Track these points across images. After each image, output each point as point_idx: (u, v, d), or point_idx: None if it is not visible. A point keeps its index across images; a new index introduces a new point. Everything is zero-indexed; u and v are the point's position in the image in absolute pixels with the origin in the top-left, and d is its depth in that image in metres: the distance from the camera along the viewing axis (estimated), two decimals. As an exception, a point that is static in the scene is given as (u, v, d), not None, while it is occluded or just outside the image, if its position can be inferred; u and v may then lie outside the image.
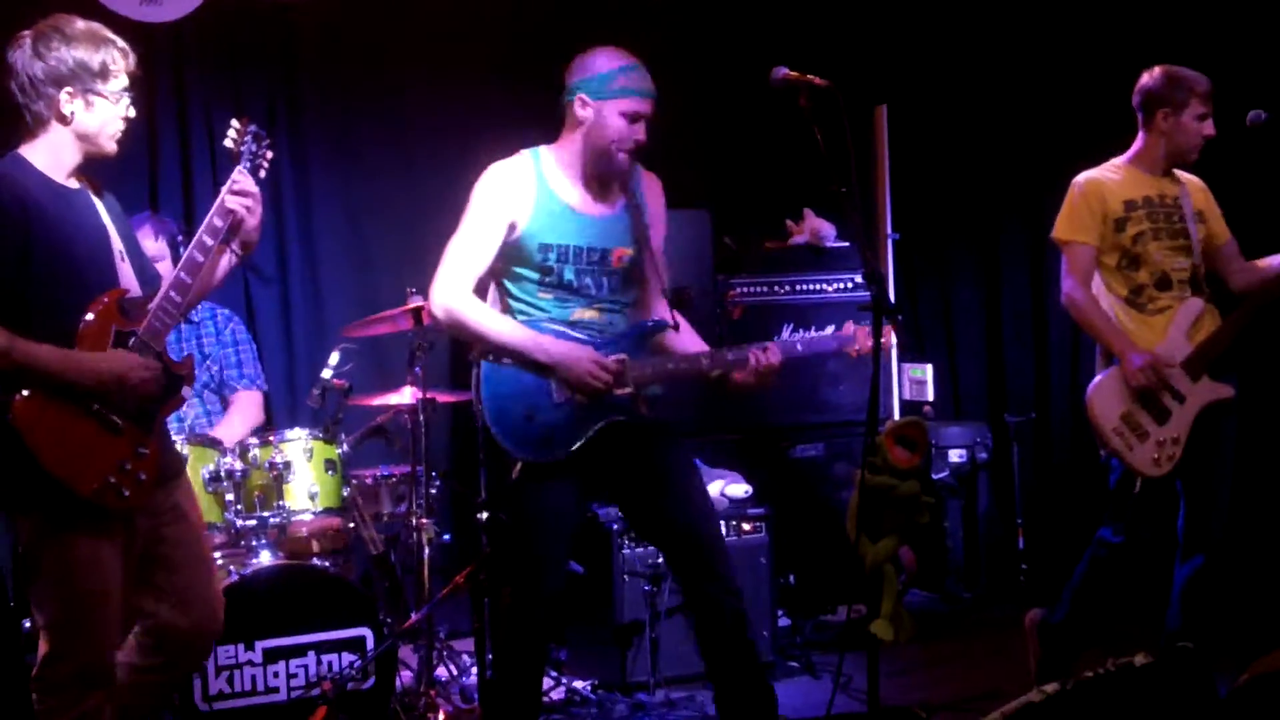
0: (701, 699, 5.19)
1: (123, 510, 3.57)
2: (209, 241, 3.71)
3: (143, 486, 3.57)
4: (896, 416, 6.49)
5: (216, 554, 4.81)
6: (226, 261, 3.90)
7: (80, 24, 3.68)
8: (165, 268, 4.37)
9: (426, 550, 5.22)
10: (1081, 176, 4.79)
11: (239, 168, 3.83)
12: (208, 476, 4.78)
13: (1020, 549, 6.70)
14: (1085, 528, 6.69)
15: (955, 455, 6.70)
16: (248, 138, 3.86)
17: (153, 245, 5.10)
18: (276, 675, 4.62)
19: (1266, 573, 5.92)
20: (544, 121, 6.66)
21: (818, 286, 6.39)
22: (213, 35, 6.24)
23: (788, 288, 6.37)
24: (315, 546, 5.16)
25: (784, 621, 5.92)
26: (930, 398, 6.75)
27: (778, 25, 6.98)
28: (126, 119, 3.71)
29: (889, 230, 7.01)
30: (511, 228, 4.07)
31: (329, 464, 5.02)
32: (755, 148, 6.83)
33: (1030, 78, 7.03)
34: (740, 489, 5.67)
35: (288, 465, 4.88)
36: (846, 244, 6.46)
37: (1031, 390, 7.16)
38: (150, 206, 5.95)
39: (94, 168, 3.77)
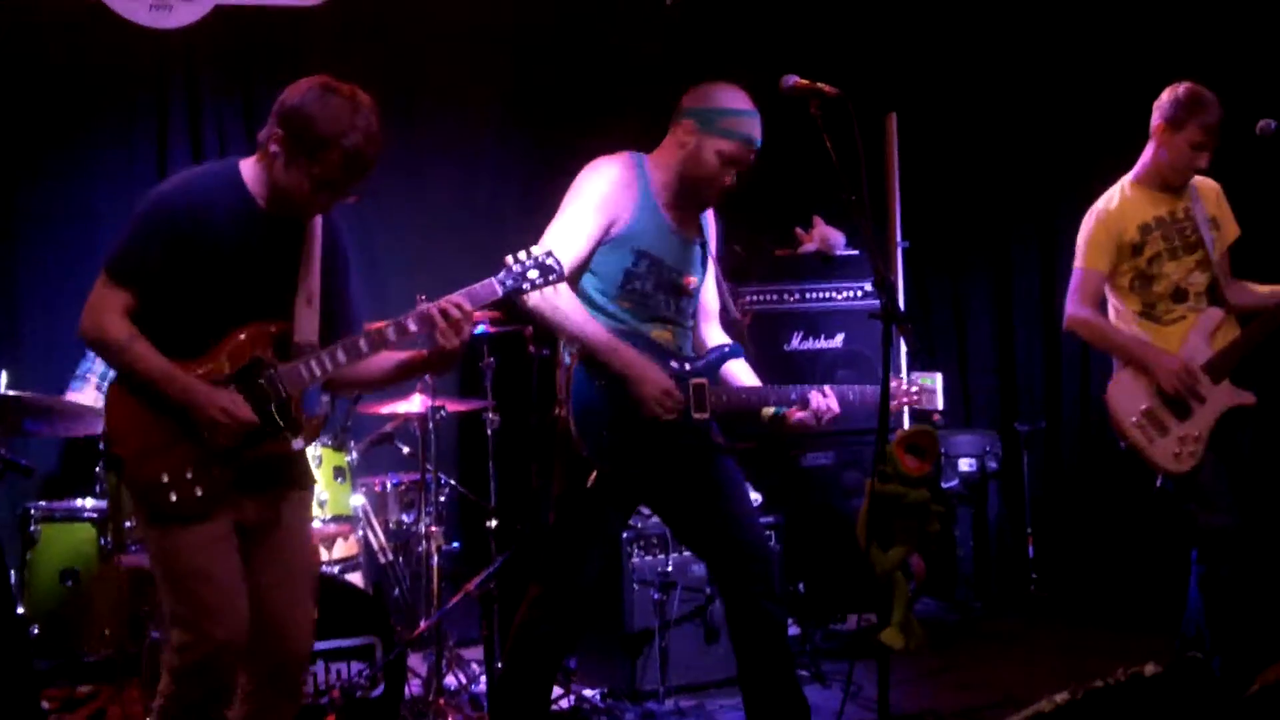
0: (711, 707, 5.19)
1: (177, 511, 3.50)
2: (391, 337, 3.63)
3: (197, 500, 3.50)
4: (907, 425, 6.48)
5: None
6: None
7: (348, 100, 3.50)
8: None
9: (435, 558, 5.23)
10: (1097, 207, 4.76)
11: (495, 279, 3.69)
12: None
13: (1030, 558, 6.69)
14: (1095, 536, 6.74)
15: (965, 464, 6.69)
16: (530, 267, 3.71)
17: None
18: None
19: (1271, 583, 5.90)
20: (545, 140, 6.76)
21: (827, 294, 6.37)
22: (224, 43, 6.26)
23: (797, 295, 6.35)
24: (324, 554, 5.16)
25: (794, 630, 5.89)
26: (940, 406, 6.74)
27: (787, 33, 6.99)
28: (319, 205, 3.59)
29: (899, 238, 7.01)
30: (611, 224, 4.05)
31: (338, 471, 5.02)
32: (765, 155, 6.80)
33: (1041, 85, 7.02)
34: (750, 497, 5.66)
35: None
36: (856, 252, 6.44)
37: (1041, 399, 7.15)
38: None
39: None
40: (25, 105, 6.00)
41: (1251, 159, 4.81)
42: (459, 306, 3.59)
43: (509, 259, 3.69)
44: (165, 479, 3.48)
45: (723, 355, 4.21)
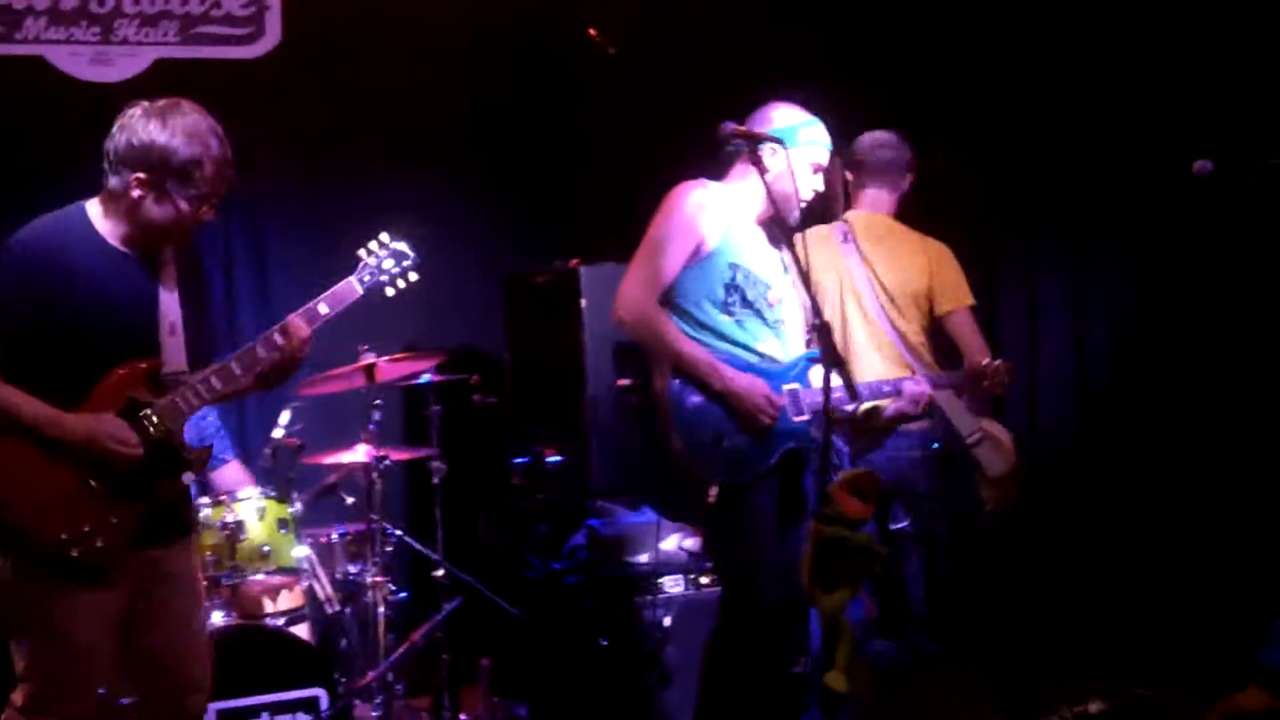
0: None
1: (79, 567, 3.49)
2: (261, 355, 3.68)
3: (98, 551, 3.49)
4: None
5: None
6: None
7: (189, 115, 3.58)
8: None
9: (382, 608, 5.19)
10: None
11: (353, 278, 3.83)
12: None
13: (981, 599, 6.66)
14: (1048, 574, 6.72)
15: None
16: (384, 256, 3.87)
17: None
18: (230, 739, 4.54)
19: (1223, 616, 5.93)
20: (501, 191, 6.73)
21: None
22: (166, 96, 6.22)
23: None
24: (268, 606, 5.12)
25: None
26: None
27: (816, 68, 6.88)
28: (198, 223, 3.63)
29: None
30: (700, 243, 4.24)
31: (282, 523, 5.00)
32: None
33: (1069, 121, 6.84)
34: (697, 542, 5.65)
35: (240, 524, 4.87)
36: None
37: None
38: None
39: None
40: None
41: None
42: (296, 330, 3.69)
43: (362, 253, 3.82)
44: (65, 536, 3.45)
45: (811, 359, 4.33)
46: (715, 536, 4.41)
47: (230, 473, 5.54)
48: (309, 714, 4.66)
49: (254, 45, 6.38)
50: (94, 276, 3.54)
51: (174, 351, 3.65)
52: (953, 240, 5.25)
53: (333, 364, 5.24)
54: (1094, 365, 6.53)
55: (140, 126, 3.53)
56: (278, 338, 3.69)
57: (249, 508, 4.92)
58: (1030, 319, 6.57)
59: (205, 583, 4.72)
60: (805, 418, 4.25)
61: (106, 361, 3.55)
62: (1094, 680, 5.16)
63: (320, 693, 4.70)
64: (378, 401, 5.24)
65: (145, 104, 3.58)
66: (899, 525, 6.54)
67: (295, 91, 6.46)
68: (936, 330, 5.12)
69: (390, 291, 3.92)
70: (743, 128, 4.22)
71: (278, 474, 5.23)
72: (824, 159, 4.38)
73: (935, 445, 4.94)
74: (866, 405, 4.40)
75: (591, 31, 6.59)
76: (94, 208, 3.61)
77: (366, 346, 5.21)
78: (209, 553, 4.82)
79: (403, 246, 3.88)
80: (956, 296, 5.07)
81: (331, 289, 3.80)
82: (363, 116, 6.57)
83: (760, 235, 4.40)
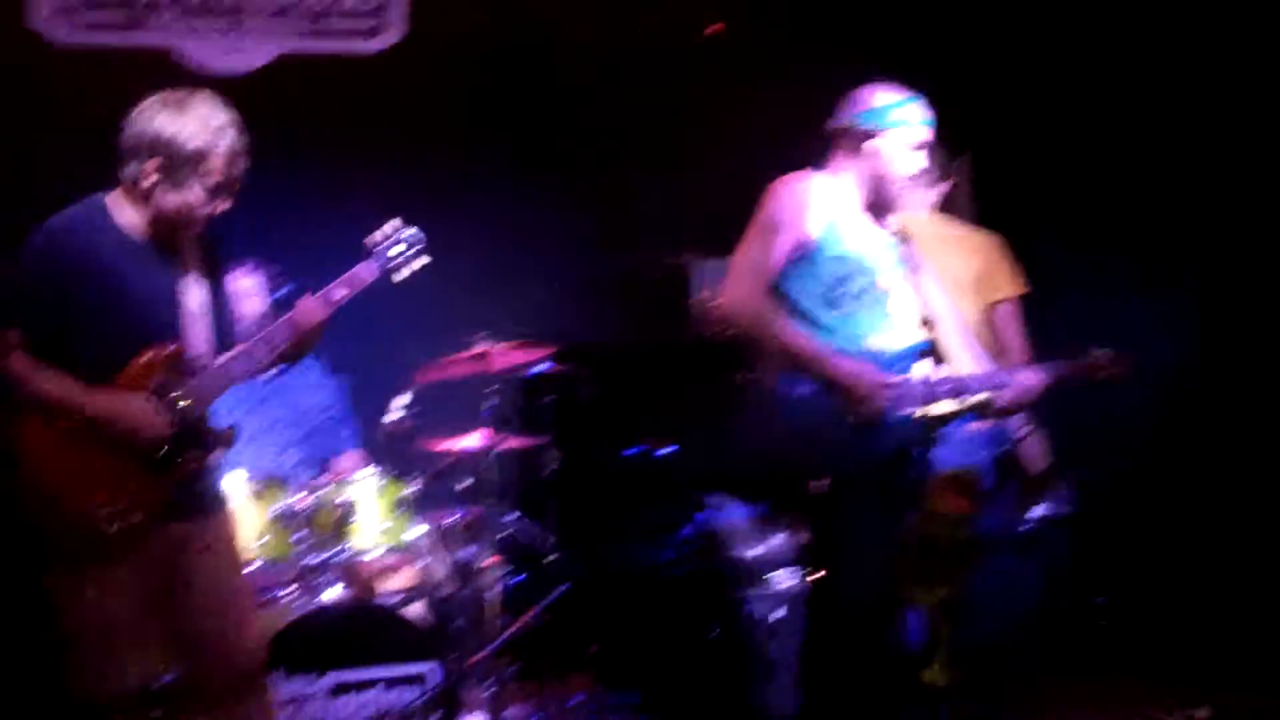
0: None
1: (109, 544, 3.58)
2: (279, 340, 3.81)
3: (134, 525, 3.60)
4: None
5: (286, 589, 4.91)
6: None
7: (202, 106, 3.70)
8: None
9: (494, 591, 5.30)
10: None
11: (368, 263, 3.93)
12: (276, 514, 4.86)
13: (1099, 605, 6.61)
14: (1165, 587, 6.65)
15: (1037, 507, 6.61)
16: (395, 239, 3.97)
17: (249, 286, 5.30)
18: (343, 708, 4.64)
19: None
20: (621, 179, 6.77)
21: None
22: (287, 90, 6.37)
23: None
24: (382, 584, 5.22)
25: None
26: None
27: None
28: (212, 213, 3.73)
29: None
30: (803, 241, 4.23)
31: (398, 504, 5.09)
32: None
33: (1129, 121, 6.86)
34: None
35: (356, 503, 4.96)
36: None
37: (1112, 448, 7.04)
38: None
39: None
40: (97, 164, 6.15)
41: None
42: (313, 313, 3.81)
43: (375, 237, 3.93)
44: (100, 511, 3.55)
45: (920, 351, 4.31)
46: (817, 530, 4.40)
47: (350, 461, 5.67)
48: (419, 689, 4.74)
49: (375, 40, 6.49)
50: (114, 267, 3.64)
51: (197, 336, 3.76)
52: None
53: (449, 351, 5.36)
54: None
55: (153, 117, 3.65)
56: (296, 320, 3.82)
57: (365, 487, 5.02)
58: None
59: (321, 560, 4.89)
60: (914, 410, 4.24)
61: (130, 348, 3.64)
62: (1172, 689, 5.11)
63: (431, 669, 4.77)
64: (493, 389, 5.33)
65: (160, 95, 3.69)
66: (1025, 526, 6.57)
67: (411, 88, 6.56)
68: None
69: (401, 275, 4.00)
70: (839, 120, 4.28)
71: (395, 456, 5.34)
72: (921, 135, 4.33)
73: (1007, 447, 4.89)
74: (979, 397, 4.35)
75: (713, 28, 6.64)
76: (112, 199, 3.72)
77: (482, 335, 5.30)
78: (326, 530, 4.91)
79: (409, 233, 3.97)
80: (1009, 284, 5.02)
81: (349, 273, 3.90)
82: (478, 111, 6.67)
83: (867, 224, 4.37)
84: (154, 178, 3.64)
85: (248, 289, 5.44)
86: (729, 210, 4.52)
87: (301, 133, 6.44)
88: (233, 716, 3.83)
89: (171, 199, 3.65)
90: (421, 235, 3.99)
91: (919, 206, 5.10)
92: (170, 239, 3.74)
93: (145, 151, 3.64)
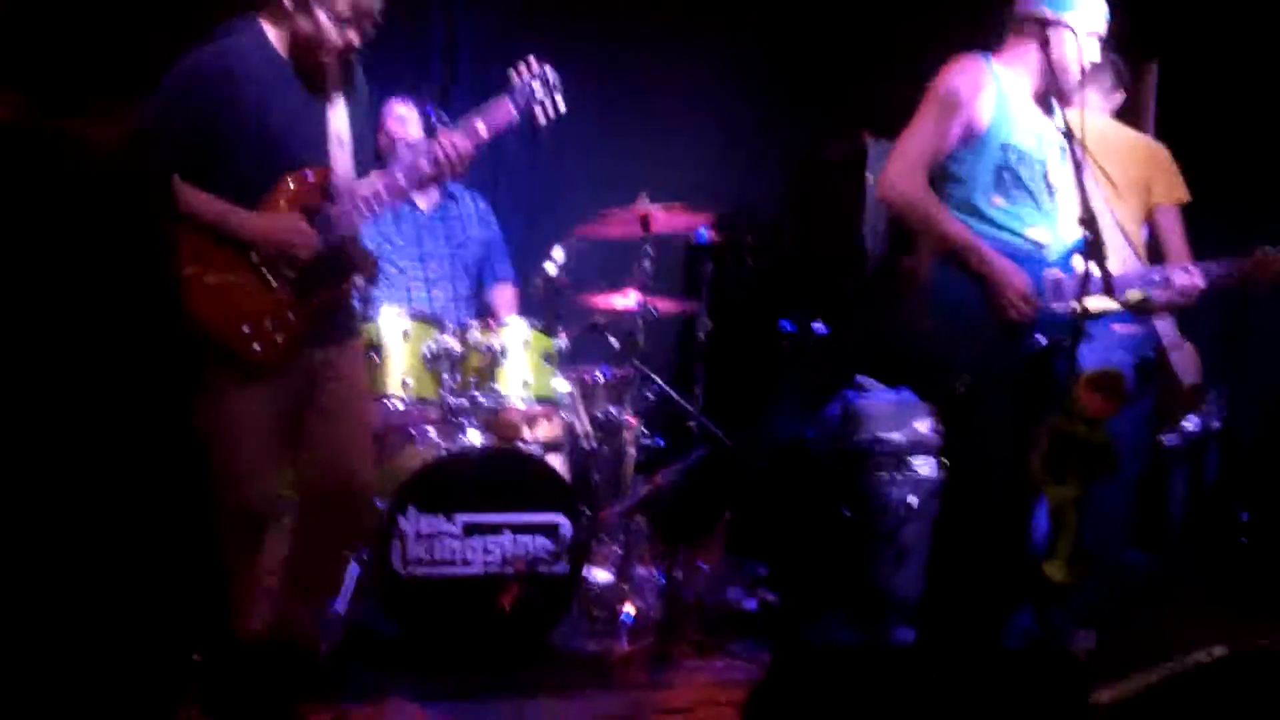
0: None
1: (256, 363, 3.71)
2: (425, 169, 3.87)
3: (278, 347, 3.72)
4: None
5: (429, 428, 5.02)
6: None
7: None
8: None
9: (633, 450, 5.35)
10: None
11: (507, 100, 3.94)
12: (427, 354, 4.92)
13: (1243, 521, 6.46)
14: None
15: (1186, 422, 6.48)
16: (533, 79, 3.97)
17: (407, 114, 5.31)
18: (473, 549, 4.74)
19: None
20: (798, 52, 6.67)
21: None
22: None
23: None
24: (523, 432, 5.30)
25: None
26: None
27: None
28: (345, 46, 3.75)
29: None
30: (971, 126, 4.15)
31: (545, 355, 5.14)
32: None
33: None
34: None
35: (504, 351, 5.02)
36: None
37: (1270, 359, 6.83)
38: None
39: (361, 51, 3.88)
40: None
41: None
42: (454, 144, 3.84)
43: (511, 75, 3.91)
44: (247, 330, 3.67)
45: (1076, 246, 4.18)
46: (956, 423, 4.33)
47: (503, 293, 5.73)
48: (549, 538, 4.82)
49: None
50: (262, 85, 3.70)
51: (342, 163, 3.84)
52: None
53: (610, 207, 5.37)
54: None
55: None
56: (440, 152, 3.86)
57: (515, 336, 5.07)
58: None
59: (466, 402, 4.97)
60: (1067, 305, 4.13)
61: (278, 169, 3.73)
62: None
63: (563, 520, 4.85)
64: (649, 251, 5.33)
65: None
66: (1170, 440, 6.43)
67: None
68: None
69: (541, 118, 4.00)
70: (1019, 4, 4.15)
71: (546, 308, 5.38)
72: (1102, 27, 4.20)
73: (1148, 354, 4.77)
74: (1136, 295, 4.23)
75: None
76: (265, 16, 3.77)
77: (645, 194, 5.29)
78: (473, 374, 4.99)
79: (548, 72, 3.97)
80: (1173, 190, 4.89)
81: (488, 108, 3.93)
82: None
83: (1038, 113, 4.24)
84: (290, 1, 3.70)
85: (403, 116, 5.52)
86: (913, 91, 4.44)
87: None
88: (330, 544, 4.00)
89: (303, 23, 3.70)
90: (557, 78, 4.00)
91: (1093, 108, 4.96)
92: (316, 64, 3.79)
93: None
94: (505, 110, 3.95)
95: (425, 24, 6.35)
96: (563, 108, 4.02)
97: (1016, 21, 4.22)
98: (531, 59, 4.00)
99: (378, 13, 3.74)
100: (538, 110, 3.99)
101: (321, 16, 3.68)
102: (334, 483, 3.92)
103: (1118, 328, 4.63)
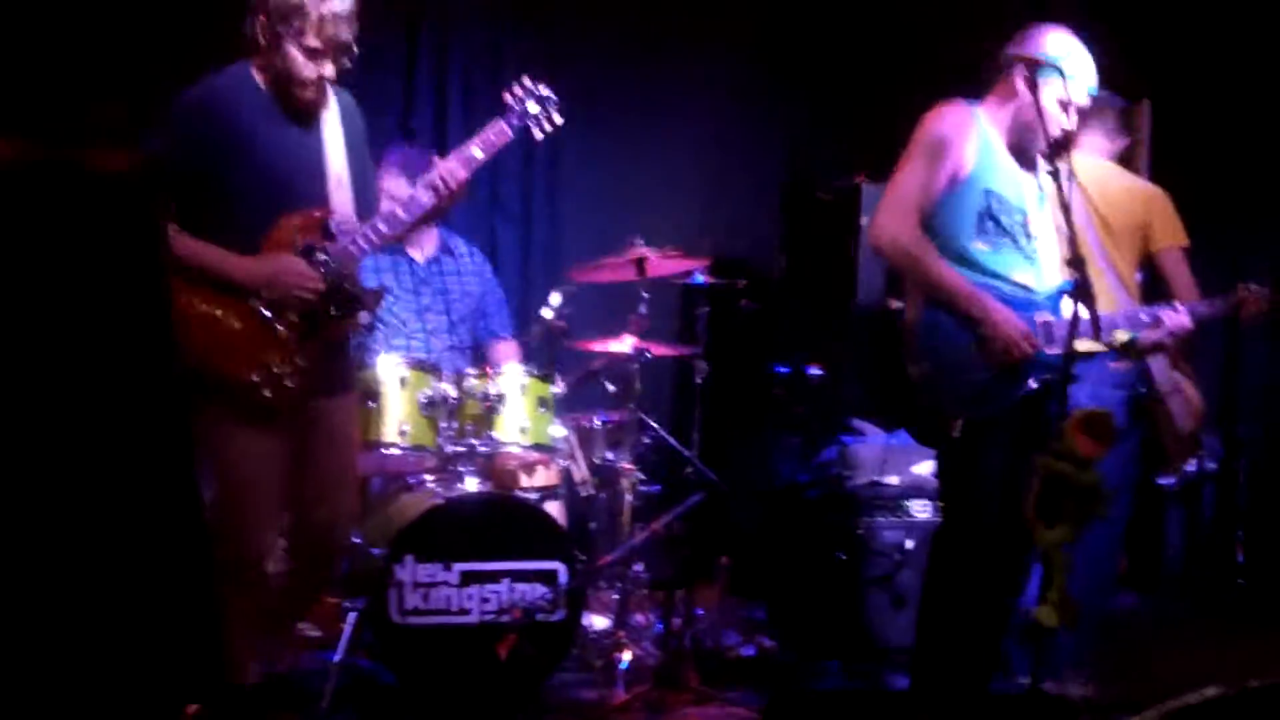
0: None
1: (266, 407, 3.74)
2: (424, 201, 3.91)
3: (287, 391, 3.75)
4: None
5: (426, 476, 5.03)
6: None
7: None
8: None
9: (630, 497, 5.36)
10: None
11: (502, 121, 3.99)
12: (424, 401, 4.92)
13: (1239, 563, 6.48)
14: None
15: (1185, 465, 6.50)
16: (528, 98, 4.02)
17: (398, 185, 5.32)
18: (470, 598, 4.73)
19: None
20: (794, 93, 6.74)
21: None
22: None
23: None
24: (520, 479, 5.31)
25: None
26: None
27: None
28: (318, 76, 3.80)
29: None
30: (955, 172, 4.17)
31: (542, 401, 5.16)
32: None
33: None
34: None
35: (501, 397, 5.03)
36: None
37: (1263, 401, 6.86)
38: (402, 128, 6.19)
39: (344, 81, 3.95)
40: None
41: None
42: (451, 172, 3.88)
43: (507, 97, 3.97)
44: (257, 378, 3.70)
45: (1063, 289, 4.20)
46: (949, 466, 4.34)
47: (504, 349, 5.76)
48: (547, 586, 4.81)
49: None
50: (258, 130, 3.76)
51: (340, 203, 3.88)
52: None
53: (605, 253, 5.40)
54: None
55: None
56: (437, 183, 3.89)
57: (512, 382, 5.08)
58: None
59: (463, 450, 4.98)
60: (1056, 350, 4.13)
61: (275, 211, 3.77)
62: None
63: (560, 567, 4.84)
64: (645, 295, 5.36)
65: None
66: (1165, 481, 6.45)
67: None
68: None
69: (538, 134, 4.06)
70: (1022, 52, 4.15)
71: (543, 354, 5.41)
72: (1081, 99, 4.19)
73: (1139, 390, 4.80)
74: (1123, 335, 4.26)
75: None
76: (256, 67, 3.82)
77: (640, 239, 5.33)
78: (469, 421, 5.01)
79: (545, 90, 4.02)
80: (1173, 233, 4.92)
81: (482, 132, 3.97)
82: (660, 21, 6.64)
83: (1019, 160, 4.26)
84: (263, 36, 3.75)
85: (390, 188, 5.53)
86: (905, 135, 4.48)
87: (475, 19, 6.50)
88: (300, 594, 4.08)
89: (278, 59, 3.76)
90: (554, 96, 4.05)
91: (1095, 152, 5.00)
92: (299, 100, 3.83)
93: (257, 7, 3.77)
94: (500, 130, 4.00)
95: (413, 64, 6.39)
96: (559, 120, 4.08)
97: (1004, 66, 4.24)
98: (525, 78, 4.06)
99: (352, 44, 3.80)
100: (533, 127, 4.06)
101: (292, 50, 3.73)
102: (312, 533, 3.98)
103: (1109, 363, 4.66)
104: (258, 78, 3.83)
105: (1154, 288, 4.95)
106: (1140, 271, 4.96)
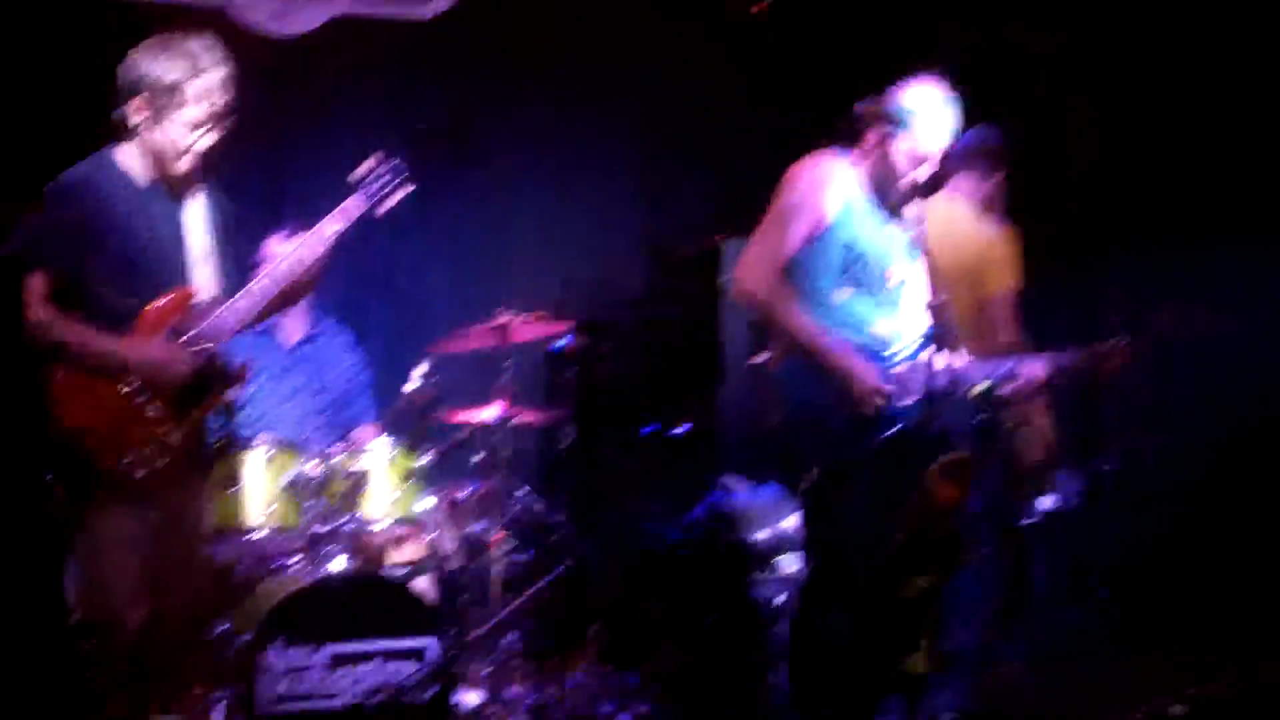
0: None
1: (139, 488, 3.72)
2: (280, 278, 3.94)
3: (159, 471, 3.74)
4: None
5: (291, 558, 4.93)
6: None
7: (178, 39, 3.81)
8: None
9: (500, 567, 5.30)
10: None
11: (355, 196, 4.05)
12: (288, 482, 4.86)
13: (1105, 598, 6.57)
14: (1171, 579, 6.61)
15: (1044, 500, 6.57)
16: (380, 173, 4.07)
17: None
18: (340, 680, 4.61)
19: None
20: (654, 155, 6.78)
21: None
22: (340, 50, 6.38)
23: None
24: (391, 556, 5.23)
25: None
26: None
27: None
28: (199, 148, 3.84)
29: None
30: (816, 224, 4.23)
31: (409, 474, 5.11)
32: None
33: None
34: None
35: (366, 474, 4.97)
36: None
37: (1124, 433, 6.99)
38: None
39: (215, 166, 3.96)
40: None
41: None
42: (308, 247, 3.96)
43: (360, 171, 4.06)
44: (129, 459, 3.69)
45: (926, 339, 4.27)
46: (810, 517, 4.38)
47: (367, 434, 5.68)
48: (417, 663, 4.72)
49: (425, 6, 6.47)
50: (124, 215, 3.79)
51: (204, 280, 3.90)
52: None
53: (470, 322, 5.37)
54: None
55: (137, 57, 3.79)
56: (296, 256, 3.95)
57: (377, 457, 5.03)
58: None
59: (329, 529, 4.90)
60: (913, 400, 4.21)
61: (145, 294, 3.79)
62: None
63: (431, 643, 4.76)
64: (509, 362, 5.33)
65: (155, 37, 3.81)
66: (1030, 520, 6.52)
67: (459, 54, 6.55)
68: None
69: (388, 204, 4.11)
70: (873, 107, 4.25)
71: (412, 425, 5.35)
72: (922, 151, 4.28)
73: (986, 415, 4.85)
74: (981, 386, 4.34)
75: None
76: (120, 150, 3.86)
77: (503, 307, 5.30)
78: (335, 499, 4.92)
79: (396, 163, 4.09)
80: (1002, 278, 4.96)
81: (338, 208, 4.02)
82: (521, 84, 6.65)
83: (878, 211, 4.33)
84: (139, 116, 3.78)
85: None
86: (764, 190, 4.52)
87: (350, 96, 6.45)
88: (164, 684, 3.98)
89: (156, 136, 3.79)
90: (404, 166, 4.10)
91: (964, 194, 5.06)
92: (174, 182, 3.88)
93: (129, 90, 3.79)
94: (353, 206, 4.04)
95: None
96: (409, 188, 4.12)
97: (864, 121, 4.31)
98: (377, 155, 4.11)
99: (228, 111, 3.82)
100: (383, 202, 4.10)
101: (176, 123, 3.76)
102: (173, 618, 3.93)
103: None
104: (125, 163, 3.86)
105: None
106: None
